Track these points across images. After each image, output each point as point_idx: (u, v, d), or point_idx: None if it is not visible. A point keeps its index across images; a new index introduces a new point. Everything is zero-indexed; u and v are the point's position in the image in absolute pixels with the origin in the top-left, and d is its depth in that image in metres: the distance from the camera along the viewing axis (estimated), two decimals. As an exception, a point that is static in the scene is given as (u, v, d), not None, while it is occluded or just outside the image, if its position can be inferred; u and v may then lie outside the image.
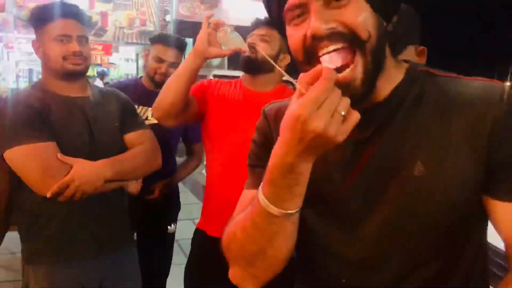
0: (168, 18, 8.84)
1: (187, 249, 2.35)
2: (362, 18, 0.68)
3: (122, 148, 1.67)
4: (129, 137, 1.69)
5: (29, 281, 1.55)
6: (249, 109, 1.69)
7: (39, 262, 1.55)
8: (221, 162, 1.71)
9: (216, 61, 16.12)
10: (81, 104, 1.62)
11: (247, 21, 8.14)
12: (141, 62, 10.07)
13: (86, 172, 1.45)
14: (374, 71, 0.70)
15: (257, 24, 1.77)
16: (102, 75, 11.09)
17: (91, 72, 12.86)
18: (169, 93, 1.61)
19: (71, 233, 1.57)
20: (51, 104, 1.53)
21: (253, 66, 1.71)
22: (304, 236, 0.78)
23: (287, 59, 1.75)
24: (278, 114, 0.91)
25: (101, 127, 1.65)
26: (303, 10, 0.71)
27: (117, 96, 1.80)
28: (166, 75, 2.18)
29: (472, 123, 0.71)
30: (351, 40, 0.68)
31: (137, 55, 10.01)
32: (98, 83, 10.82)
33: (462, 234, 0.76)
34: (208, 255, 1.62)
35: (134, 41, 8.93)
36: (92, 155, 1.56)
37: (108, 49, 10.76)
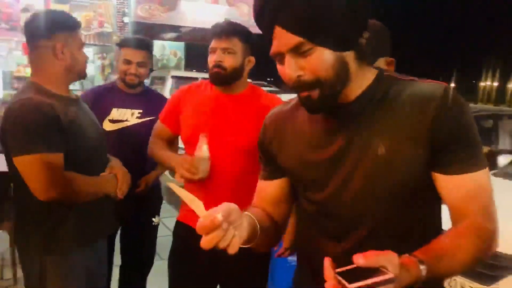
0: (126, 19, 8.86)
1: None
2: (322, 62, 0.91)
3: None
4: None
5: (46, 272, 1.63)
6: (224, 112, 1.80)
7: (57, 251, 1.65)
8: None
9: (172, 63, 16.15)
10: (78, 102, 1.76)
11: (204, 23, 8.40)
12: (99, 63, 9.99)
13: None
14: (331, 95, 0.95)
15: (218, 35, 1.80)
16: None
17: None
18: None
19: (83, 222, 1.70)
20: (62, 107, 1.61)
21: (223, 80, 1.80)
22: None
23: (252, 62, 1.85)
24: (278, 119, 1.17)
25: (95, 121, 1.82)
26: (281, 57, 0.95)
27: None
28: (136, 75, 2.34)
29: (419, 114, 0.94)
30: (313, 86, 0.93)
31: (94, 55, 9.94)
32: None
33: (416, 199, 0.99)
34: (192, 245, 1.80)
35: (92, 42, 8.88)
36: (103, 146, 1.78)
37: (65, 50, 10.57)
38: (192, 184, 1.75)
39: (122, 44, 2.42)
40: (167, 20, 9.79)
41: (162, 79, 10.76)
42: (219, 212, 0.84)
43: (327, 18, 0.89)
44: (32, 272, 1.67)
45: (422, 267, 0.84)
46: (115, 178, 1.76)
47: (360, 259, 0.78)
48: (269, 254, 1.88)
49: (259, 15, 0.95)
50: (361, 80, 0.99)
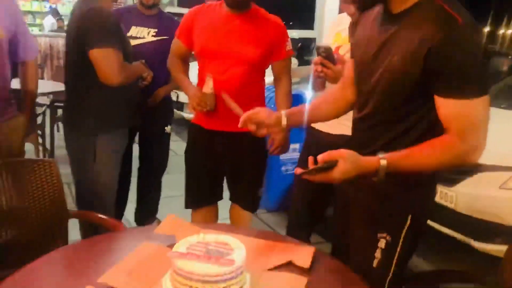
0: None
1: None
2: None
3: None
4: None
5: (96, 148, 2.07)
6: (231, 29, 2.05)
7: (104, 131, 2.09)
8: (209, 72, 2.06)
9: (165, 0, 15.98)
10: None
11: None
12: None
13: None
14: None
15: None
16: (55, 12, 10.87)
17: (39, 8, 12.48)
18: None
19: (125, 108, 2.16)
20: (117, 17, 2.09)
21: (239, 4, 2.03)
22: None
23: None
24: (364, 16, 1.42)
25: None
26: None
27: None
28: None
29: (426, 39, 1.12)
30: None
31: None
32: (50, 19, 10.64)
33: (411, 107, 1.24)
34: (203, 143, 2.18)
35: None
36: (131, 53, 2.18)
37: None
38: None
39: None
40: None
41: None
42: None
43: None
44: (72, 149, 2.13)
45: (382, 161, 1.17)
46: (143, 64, 2.22)
47: (320, 156, 1.18)
48: (265, 151, 2.26)
49: None
50: None
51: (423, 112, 1.25)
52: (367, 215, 1.39)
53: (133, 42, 2.66)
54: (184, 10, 11.97)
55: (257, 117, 1.37)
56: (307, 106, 1.48)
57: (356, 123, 1.43)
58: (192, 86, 2.15)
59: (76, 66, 2.06)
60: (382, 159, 1.18)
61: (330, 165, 1.17)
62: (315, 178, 1.21)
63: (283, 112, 1.43)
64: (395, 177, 1.21)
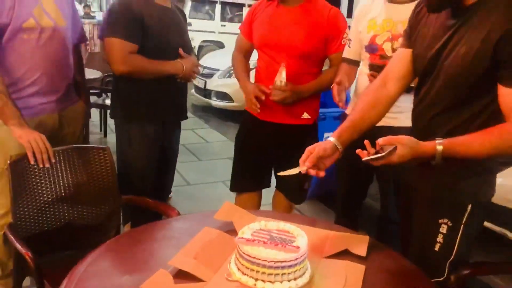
0: None
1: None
2: None
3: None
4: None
5: (131, 137, 2.16)
6: (285, 22, 2.11)
7: (140, 121, 2.17)
8: (266, 63, 2.16)
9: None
10: (171, 12, 2.18)
11: None
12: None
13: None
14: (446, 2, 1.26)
15: None
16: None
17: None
18: None
19: (162, 100, 2.20)
20: (150, 12, 2.06)
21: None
22: None
23: None
24: (420, 11, 1.47)
25: (181, 30, 2.24)
26: None
27: (178, 8, 2.36)
28: None
29: (492, 32, 1.19)
30: None
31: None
32: (77, 6, 10.79)
33: (475, 95, 1.29)
34: (255, 131, 2.24)
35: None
36: (185, 49, 2.20)
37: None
38: (261, 82, 2.17)
39: None
40: None
41: (181, 2, 10.90)
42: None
43: None
44: (121, 136, 2.22)
45: (439, 147, 1.24)
46: (179, 63, 2.17)
47: (380, 140, 1.26)
48: (317, 134, 2.30)
49: None
50: None
51: (487, 101, 1.30)
52: (429, 202, 1.46)
53: None
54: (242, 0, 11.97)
55: (315, 156, 1.37)
56: (352, 118, 1.47)
57: (418, 113, 1.47)
58: (249, 84, 2.21)
59: None
60: (439, 145, 1.25)
61: (391, 152, 1.26)
62: (378, 163, 1.30)
63: (333, 139, 1.41)
64: (456, 165, 1.29)
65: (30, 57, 1.80)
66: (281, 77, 2.03)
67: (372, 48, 1.97)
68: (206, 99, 6.52)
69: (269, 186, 2.38)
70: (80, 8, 10.64)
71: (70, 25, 1.98)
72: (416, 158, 1.28)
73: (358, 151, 1.30)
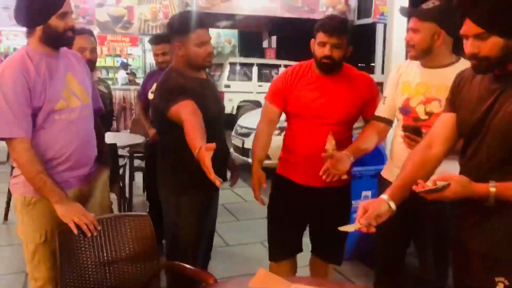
0: (189, 10, 9.45)
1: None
2: (494, 47, 1.32)
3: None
4: None
5: (181, 209, 2.18)
6: (326, 90, 2.18)
7: (191, 193, 2.17)
8: (302, 130, 2.21)
9: (227, 50, 16.73)
10: (207, 83, 2.29)
11: (259, 11, 8.88)
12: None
13: None
14: (495, 66, 1.36)
15: (329, 32, 2.09)
16: (125, 66, 11.74)
17: (112, 63, 13.54)
18: None
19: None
20: (191, 84, 2.13)
21: (331, 69, 2.18)
22: None
23: (350, 50, 2.21)
24: (464, 75, 1.58)
25: (218, 99, 2.35)
26: (467, 37, 1.37)
27: (212, 78, 2.50)
28: (163, 62, 3.36)
29: None
30: (483, 60, 1.37)
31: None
32: (122, 73, 11.48)
33: None
34: (287, 195, 2.27)
35: (158, 32, 9.56)
36: (220, 118, 2.29)
37: (134, 41, 11.44)
38: (293, 156, 2.24)
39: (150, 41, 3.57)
40: (225, 9, 10.30)
41: (220, 66, 11.40)
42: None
43: (503, 18, 1.30)
44: (169, 208, 2.24)
45: (492, 188, 1.33)
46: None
47: (434, 177, 1.39)
48: (349, 203, 2.31)
49: (456, 6, 1.40)
50: None
51: None
52: (484, 259, 1.48)
53: (152, 96, 3.12)
54: (247, 60, 12.49)
55: (372, 214, 1.43)
56: (403, 176, 1.55)
57: (467, 171, 1.50)
58: (259, 171, 2.31)
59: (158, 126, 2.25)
60: (492, 187, 1.35)
61: (445, 187, 1.36)
62: (432, 196, 1.39)
63: (386, 197, 1.48)
64: (510, 220, 1.37)
65: (62, 136, 1.89)
66: (332, 145, 2.04)
67: (406, 110, 2.01)
68: (244, 158, 6.63)
69: (301, 250, 2.37)
70: (125, 76, 11.29)
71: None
72: (469, 197, 1.37)
73: (414, 187, 1.41)
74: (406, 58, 2.17)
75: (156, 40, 3.51)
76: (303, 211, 2.26)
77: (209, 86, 2.32)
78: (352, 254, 3.48)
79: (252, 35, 15.70)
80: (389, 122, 2.15)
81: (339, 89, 2.18)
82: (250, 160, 6.64)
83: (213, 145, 1.71)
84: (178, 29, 2.14)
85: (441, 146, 1.57)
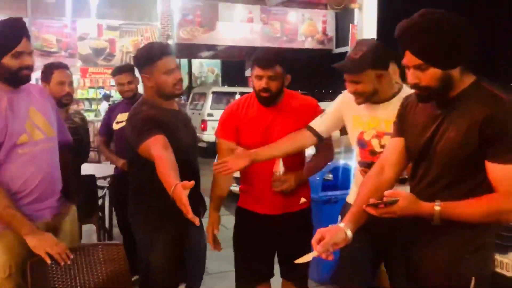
0: (170, 41, 9.61)
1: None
2: (432, 77, 1.41)
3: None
4: None
5: (154, 245, 2.14)
6: (272, 119, 2.23)
7: (165, 229, 2.14)
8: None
9: (210, 79, 16.96)
10: (179, 114, 2.32)
11: (240, 41, 9.14)
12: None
13: None
14: (435, 95, 1.45)
15: (263, 65, 2.14)
16: (107, 97, 11.79)
17: (95, 94, 13.59)
18: None
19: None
20: (163, 115, 2.14)
21: (271, 101, 2.22)
22: None
23: (288, 79, 2.27)
24: (408, 103, 1.66)
25: (191, 129, 2.37)
26: (408, 67, 1.45)
27: (183, 108, 2.56)
28: (129, 91, 3.50)
29: (477, 115, 1.37)
30: (424, 90, 1.46)
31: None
32: (105, 104, 11.51)
33: (470, 172, 1.44)
34: (251, 226, 2.30)
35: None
36: (194, 149, 2.32)
37: (116, 73, 11.52)
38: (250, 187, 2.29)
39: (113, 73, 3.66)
40: (206, 40, 10.52)
41: (203, 95, 11.52)
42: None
43: (439, 51, 1.39)
44: (142, 243, 2.22)
45: (437, 207, 1.40)
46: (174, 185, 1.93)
47: (386, 192, 1.45)
48: (311, 226, 2.36)
49: (398, 39, 1.47)
50: (459, 84, 1.46)
51: (480, 177, 1.45)
52: (436, 277, 1.54)
53: (118, 126, 3.35)
54: (230, 89, 12.60)
55: (329, 242, 1.47)
56: (358, 203, 1.58)
57: (416, 194, 1.55)
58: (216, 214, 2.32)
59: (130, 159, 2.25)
60: (437, 206, 1.42)
61: (393, 201, 1.43)
62: (380, 211, 1.45)
63: (343, 225, 1.52)
64: (459, 240, 1.46)
65: (26, 169, 1.90)
66: (279, 167, 2.14)
67: (362, 143, 2.06)
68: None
69: (272, 275, 2.40)
70: (106, 107, 11.29)
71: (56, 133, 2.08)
72: (416, 214, 1.45)
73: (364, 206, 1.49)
74: None
75: (120, 70, 3.56)
76: (267, 240, 2.30)
77: (181, 116, 2.34)
78: (331, 276, 3.51)
79: (234, 64, 15.94)
80: (318, 136, 2.15)
81: (283, 118, 2.22)
82: (232, 188, 6.66)
83: (191, 183, 1.68)
84: (144, 59, 2.15)
85: (392, 169, 1.64)
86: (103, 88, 13.28)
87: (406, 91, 1.90)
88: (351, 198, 2.16)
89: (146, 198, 2.19)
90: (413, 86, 1.48)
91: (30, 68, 1.89)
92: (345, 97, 2.12)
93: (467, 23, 1.40)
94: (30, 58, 1.88)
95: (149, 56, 2.14)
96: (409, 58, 1.44)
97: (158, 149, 1.92)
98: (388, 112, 1.90)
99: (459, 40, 1.39)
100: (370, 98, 1.95)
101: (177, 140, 2.13)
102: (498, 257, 2.75)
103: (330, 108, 2.19)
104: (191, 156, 2.29)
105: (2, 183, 1.84)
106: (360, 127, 2.06)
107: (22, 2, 9.38)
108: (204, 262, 2.60)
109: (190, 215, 1.66)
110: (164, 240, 2.17)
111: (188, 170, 2.05)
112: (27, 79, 1.92)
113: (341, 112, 2.14)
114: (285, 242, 2.28)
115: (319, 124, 2.15)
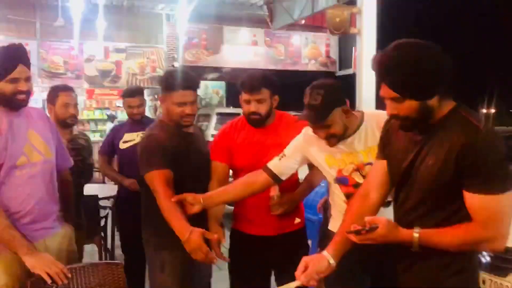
0: (175, 64, 9.77)
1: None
2: (409, 108, 1.41)
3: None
4: None
5: (165, 264, 2.20)
6: (263, 141, 2.25)
7: (170, 249, 2.17)
8: None
9: (215, 101, 17.05)
10: (191, 136, 2.32)
11: (245, 63, 9.30)
12: (151, 104, 10.94)
13: None
14: (414, 125, 1.45)
15: (250, 90, 2.18)
16: (112, 118, 11.89)
17: (101, 115, 13.71)
18: None
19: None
20: (173, 140, 2.20)
21: (261, 123, 2.24)
22: None
23: (277, 100, 2.31)
24: (390, 128, 1.64)
25: (202, 151, 2.36)
26: (384, 99, 1.46)
27: (201, 131, 2.58)
28: (138, 113, 3.43)
29: (454, 144, 1.36)
30: (403, 120, 1.46)
31: (147, 97, 10.89)
32: (110, 125, 11.61)
33: (450, 198, 1.43)
34: (245, 248, 2.30)
35: (146, 86, 9.81)
36: (205, 171, 2.29)
37: (122, 94, 11.68)
38: (243, 209, 2.31)
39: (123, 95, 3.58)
40: (211, 63, 10.70)
41: (207, 116, 11.58)
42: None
43: (414, 84, 1.39)
44: (153, 263, 2.26)
45: (415, 234, 1.42)
46: (188, 232, 1.99)
47: (366, 218, 1.46)
48: (307, 244, 2.39)
49: (375, 71, 1.48)
50: (438, 112, 1.46)
51: (458, 205, 1.44)
52: None
53: (126, 145, 3.34)
54: (234, 110, 12.77)
55: (312, 273, 1.51)
56: (342, 230, 1.59)
57: (398, 219, 1.58)
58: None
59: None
60: (416, 233, 1.43)
61: (373, 228, 1.43)
62: (360, 237, 1.46)
63: (327, 254, 1.56)
64: (439, 265, 1.45)
65: (24, 190, 1.92)
66: (276, 192, 2.17)
67: (342, 180, 2.00)
68: (230, 207, 6.62)
69: None
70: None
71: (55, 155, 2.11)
72: (395, 241, 1.45)
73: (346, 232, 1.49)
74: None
75: (131, 93, 3.52)
76: (263, 261, 2.30)
77: (194, 140, 2.35)
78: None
79: (238, 86, 16.05)
80: (276, 179, 2.09)
81: (274, 139, 2.24)
82: (230, 207, 6.64)
83: (212, 235, 1.94)
84: (164, 85, 2.26)
85: (377, 192, 1.64)
86: (108, 109, 13.44)
87: (368, 116, 1.95)
88: (332, 225, 2.10)
89: (157, 220, 2.16)
90: (392, 117, 1.50)
91: (26, 93, 1.93)
92: (307, 137, 2.07)
93: (441, 51, 1.40)
94: (26, 84, 1.92)
95: (167, 85, 2.23)
96: (385, 91, 1.44)
97: (160, 184, 2.07)
98: (360, 141, 1.91)
99: (435, 71, 1.39)
100: (343, 136, 1.93)
101: (185, 163, 2.20)
102: (498, 280, 2.74)
103: (289, 149, 2.09)
104: (202, 178, 2.29)
105: (1, 204, 1.87)
106: (336, 166, 2.00)
107: (31, 25, 9.63)
108: (209, 283, 2.61)
109: (215, 260, 1.92)
110: (173, 262, 2.21)
111: (198, 191, 2.11)
112: (24, 103, 1.95)
113: (304, 153, 2.08)
114: (282, 262, 2.29)
115: (278, 165, 2.08)
